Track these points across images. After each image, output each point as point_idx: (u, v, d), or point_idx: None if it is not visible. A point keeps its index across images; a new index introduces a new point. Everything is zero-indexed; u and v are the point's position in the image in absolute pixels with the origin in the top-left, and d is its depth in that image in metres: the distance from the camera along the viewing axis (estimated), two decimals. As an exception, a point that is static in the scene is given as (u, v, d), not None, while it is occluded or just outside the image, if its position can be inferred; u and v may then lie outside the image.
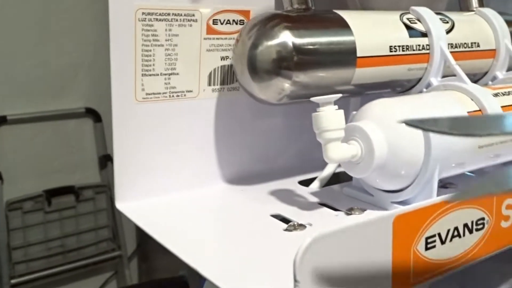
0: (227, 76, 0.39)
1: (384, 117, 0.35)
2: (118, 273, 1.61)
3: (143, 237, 1.69)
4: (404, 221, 0.24)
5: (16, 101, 1.43)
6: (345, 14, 0.38)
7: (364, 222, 0.22)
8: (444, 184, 0.40)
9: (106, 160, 1.57)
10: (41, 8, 1.40)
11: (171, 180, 0.38)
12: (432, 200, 0.26)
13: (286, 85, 0.35)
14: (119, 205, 0.36)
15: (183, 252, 0.30)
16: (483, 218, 0.29)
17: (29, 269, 1.44)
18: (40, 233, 1.46)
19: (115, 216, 1.56)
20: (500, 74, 0.45)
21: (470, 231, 0.29)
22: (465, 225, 0.28)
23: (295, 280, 0.19)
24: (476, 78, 0.45)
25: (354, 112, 0.38)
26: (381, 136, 0.34)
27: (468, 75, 0.40)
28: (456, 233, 0.28)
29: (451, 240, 0.28)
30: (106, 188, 1.55)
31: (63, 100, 1.50)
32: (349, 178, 0.40)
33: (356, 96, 0.43)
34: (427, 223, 0.26)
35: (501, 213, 0.30)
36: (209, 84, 0.39)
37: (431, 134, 0.34)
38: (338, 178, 0.44)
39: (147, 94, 0.36)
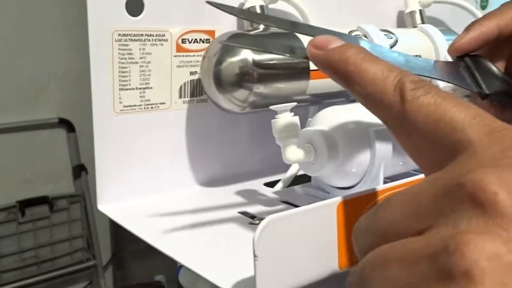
0: (196, 89, 0.44)
1: (334, 121, 0.40)
2: (93, 282, 1.62)
3: (118, 246, 1.71)
4: (347, 206, 0.29)
5: (-12, 112, 1.43)
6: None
7: (313, 206, 0.27)
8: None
9: (80, 170, 1.58)
10: (13, 20, 1.41)
11: (148, 184, 0.42)
12: (370, 190, 0.31)
13: (248, 96, 0.39)
14: (101, 207, 0.40)
15: (164, 246, 0.34)
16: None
17: (3, 281, 1.43)
18: (13, 244, 1.46)
19: (90, 225, 1.57)
20: (441, 84, 0.50)
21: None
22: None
23: (255, 255, 0.24)
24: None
25: (310, 119, 0.42)
26: (332, 138, 0.39)
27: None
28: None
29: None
30: (80, 198, 1.56)
31: (36, 110, 1.51)
32: (310, 180, 0.45)
33: (313, 105, 0.47)
34: (368, 208, 0.31)
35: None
36: (180, 97, 0.43)
37: (376, 137, 0.39)
38: (301, 180, 0.49)
39: (124, 106, 0.40)
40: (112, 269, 1.73)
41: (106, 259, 1.68)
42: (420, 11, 0.52)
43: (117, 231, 1.71)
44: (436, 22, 0.56)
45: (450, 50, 0.32)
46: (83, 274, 1.58)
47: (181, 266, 0.33)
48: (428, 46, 0.49)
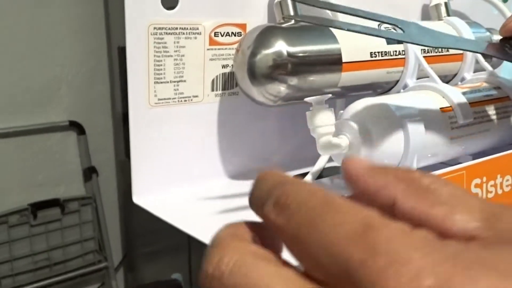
0: (228, 82, 0.44)
1: (367, 113, 0.40)
2: (105, 284, 1.62)
3: (129, 247, 1.71)
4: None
5: (0, 116, 1.44)
6: (330, 25, 0.43)
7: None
8: (421, 173, 0.45)
9: (90, 172, 1.59)
10: (23, 23, 1.42)
11: (181, 176, 0.43)
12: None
13: (282, 88, 0.40)
14: (136, 199, 0.40)
15: (200, 236, 0.34)
16: (456, 196, 0.34)
17: (16, 283, 1.44)
18: (26, 246, 1.46)
19: (101, 227, 1.58)
20: (468, 75, 0.50)
21: (446, 207, 0.34)
22: (441, 202, 0.33)
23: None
24: (447, 79, 0.51)
25: (342, 111, 0.43)
26: (366, 130, 0.39)
27: (440, 77, 0.45)
28: (434, 208, 0.33)
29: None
30: (91, 200, 1.57)
31: (47, 113, 1.52)
32: (338, 172, 0.45)
33: (342, 98, 0.48)
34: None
35: (471, 191, 0.35)
36: (212, 90, 0.43)
37: (409, 128, 0.39)
38: (329, 173, 0.49)
39: (159, 99, 0.40)
40: (124, 271, 1.73)
41: (117, 260, 1.68)
42: (446, 3, 0.53)
43: (128, 232, 1.71)
44: (457, 15, 0.57)
45: (501, 30, 0.34)
46: (95, 276, 1.58)
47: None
48: (455, 38, 0.50)
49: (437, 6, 0.53)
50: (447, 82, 0.50)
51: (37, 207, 1.47)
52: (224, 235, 0.17)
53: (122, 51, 1.49)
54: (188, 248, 1.44)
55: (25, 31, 1.43)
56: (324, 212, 0.15)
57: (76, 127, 1.58)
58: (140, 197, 0.40)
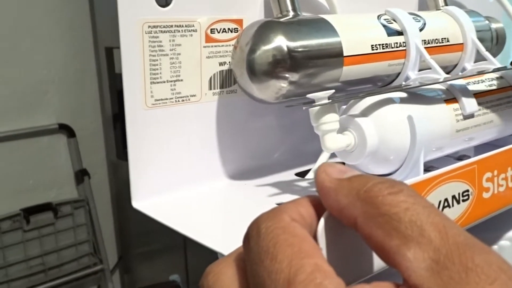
0: (226, 80, 0.43)
1: (371, 108, 0.39)
2: (101, 287, 1.61)
3: (124, 249, 1.70)
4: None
5: (-12, 121, 1.42)
6: (329, 18, 0.41)
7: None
8: (427, 168, 0.44)
9: (82, 175, 1.57)
10: (7, 27, 1.40)
11: (179, 178, 0.41)
12: (428, 175, 0.30)
13: (283, 85, 0.38)
14: (135, 204, 0.39)
15: (203, 239, 0.33)
16: (467, 190, 0.33)
17: (11, 289, 1.42)
18: (19, 252, 1.45)
19: (95, 230, 1.56)
20: (469, 65, 0.49)
21: (458, 202, 0.33)
22: (453, 197, 0.32)
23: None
24: (447, 70, 0.50)
25: (344, 107, 0.41)
26: (371, 126, 0.38)
27: (440, 67, 0.44)
28: (446, 204, 0.32)
29: (442, 210, 0.32)
30: (84, 203, 1.55)
31: (35, 117, 1.50)
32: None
33: (342, 92, 0.47)
34: (422, 195, 0.30)
35: (482, 185, 0.34)
36: (210, 88, 0.42)
37: (415, 122, 0.38)
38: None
39: (155, 100, 0.39)
40: (120, 273, 1.72)
41: (113, 262, 1.67)
42: (443, -7, 0.52)
43: (123, 234, 1.70)
44: (453, 4, 0.56)
45: None
46: (91, 279, 1.57)
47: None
48: (455, 28, 0.49)
49: (434, -5, 0.52)
50: (448, 73, 0.49)
51: (30, 212, 1.45)
52: (276, 209, 0.19)
53: (109, 51, 1.47)
54: (184, 248, 1.43)
55: (9, 34, 1.41)
56: (267, 256, 0.17)
57: (66, 129, 1.56)
58: (140, 202, 0.39)
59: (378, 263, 0.20)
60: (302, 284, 0.15)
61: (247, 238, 0.18)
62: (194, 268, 1.41)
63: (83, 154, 1.59)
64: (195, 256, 1.39)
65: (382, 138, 0.38)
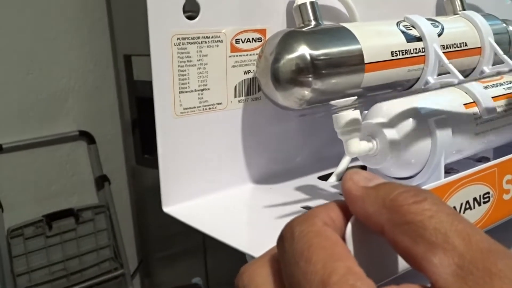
0: (250, 88, 0.44)
1: (392, 113, 0.40)
2: (122, 291, 1.63)
3: (144, 253, 1.72)
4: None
5: (11, 130, 1.45)
6: (350, 26, 0.43)
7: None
8: (447, 170, 0.45)
9: (102, 181, 1.60)
10: (29, 38, 1.43)
11: (207, 183, 0.43)
12: (449, 178, 0.31)
13: (306, 92, 0.40)
14: (166, 209, 0.40)
15: (232, 241, 0.35)
16: (488, 193, 0.34)
17: (34, 294, 1.45)
18: (42, 257, 1.48)
19: (116, 235, 1.58)
20: (487, 68, 0.50)
21: (479, 204, 0.34)
22: (474, 199, 0.33)
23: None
24: (465, 73, 0.50)
25: (366, 112, 0.43)
26: (393, 130, 0.39)
27: (459, 71, 0.45)
28: (467, 206, 0.33)
29: (464, 212, 0.33)
30: (105, 208, 1.58)
31: (56, 125, 1.53)
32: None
33: (363, 98, 0.48)
34: (443, 198, 0.31)
35: (503, 187, 0.35)
36: (235, 96, 0.44)
37: (435, 126, 0.39)
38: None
39: (184, 108, 0.40)
40: (140, 277, 1.74)
41: (133, 267, 1.69)
42: (461, -3, 0.53)
43: (143, 238, 1.72)
44: (471, 7, 0.57)
45: None
46: (112, 283, 1.59)
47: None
48: (473, 32, 0.50)
49: (452, 0, 0.53)
50: (466, 76, 0.50)
51: (52, 218, 1.48)
52: (308, 213, 0.20)
53: (127, 59, 1.50)
54: (203, 251, 1.44)
55: (30, 44, 1.44)
56: (301, 258, 0.18)
57: (86, 136, 1.59)
58: (170, 207, 0.41)
59: (402, 264, 0.22)
60: (336, 285, 0.16)
61: (281, 240, 0.19)
62: (213, 271, 1.43)
63: (103, 160, 1.62)
64: (215, 258, 1.41)
65: (403, 142, 0.39)
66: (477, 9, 0.61)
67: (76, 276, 1.53)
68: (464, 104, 0.42)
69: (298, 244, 0.18)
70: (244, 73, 0.44)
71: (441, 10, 0.56)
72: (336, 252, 0.18)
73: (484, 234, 0.17)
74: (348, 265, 0.17)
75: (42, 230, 1.47)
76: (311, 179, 0.47)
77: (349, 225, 0.20)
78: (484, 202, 0.34)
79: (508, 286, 0.15)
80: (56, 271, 1.51)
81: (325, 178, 0.48)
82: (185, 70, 0.40)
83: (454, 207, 0.32)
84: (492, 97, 0.44)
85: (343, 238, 0.20)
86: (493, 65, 0.51)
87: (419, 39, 0.45)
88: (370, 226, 0.19)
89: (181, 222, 0.39)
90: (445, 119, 0.40)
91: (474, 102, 0.43)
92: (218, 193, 0.43)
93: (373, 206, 0.19)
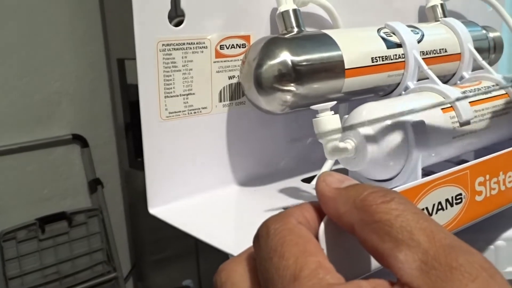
0: (235, 93, 0.46)
1: (371, 117, 0.41)
2: (115, 294, 1.63)
3: (137, 257, 1.72)
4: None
5: (3, 133, 1.45)
6: (331, 33, 0.44)
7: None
8: (426, 172, 0.47)
9: (95, 184, 1.60)
10: (23, 41, 1.43)
11: (192, 185, 0.44)
12: (422, 180, 0.32)
13: (288, 97, 0.41)
14: (152, 210, 0.41)
15: (216, 242, 0.36)
16: (460, 194, 0.35)
17: (26, 298, 1.44)
18: (35, 261, 1.47)
19: (109, 238, 1.59)
20: (466, 74, 0.52)
21: (451, 205, 0.35)
22: (447, 200, 0.35)
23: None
24: (446, 79, 0.52)
25: (346, 116, 0.44)
26: (371, 134, 0.40)
27: (439, 77, 0.47)
28: (440, 207, 0.34)
29: (436, 212, 0.34)
30: (98, 212, 1.58)
31: (49, 128, 1.53)
32: (344, 173, 0.46)
33: (345, 102, 0.49)
34: (416, 199, 0.33)
35: (475, 189, 0.36)
36: (220, 101, 0.45)
37: (413, 130, 0.41)
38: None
39: (170, 112, 0.41)
40: (133, 280, 1.74)
41: (126, 270, 1.69)
42: (441, 4, 0.54)
43: (136, 242, 1.72)
44: (453, 15, 0.58)
45: None
46: (105, 286, 1.59)
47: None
48: (453, 38, 0.51)
49: (433, 7, 0.55)
50: (446, 82, 0.51)
51: (45, 221, 1.48)
52: (283, 212, 0.21)
53: (121, 62, 1.51)
54: (196, 254, 1.45)
55: (23, 47, 1.44)
56: (275, 254, 0.19)
57: (79, 140, 1.59)
58: (155, 208, 0.42)
59: (374, 263, 0.23)
60: (306, 278, 0.17)
61: (257, 238, 0.20)
62: (206, 273, 1.43)
63: (96, 163, 1.62)
64: (207, 261, 1.41)
65: (381, 145, 0.40)
66: (460, 17, 0.62)
67: (68, 280, 1.53)
68: (442, 109, 0.44)
69: (272, 241, 0.19)
70: (229, 78, 0.45)
71: (423, 18, 0.58)
72: (308, 249, 0.19)
73: (447, 232, 0.18)
74: (319, 260, 0.18)
75: (34, 233, 1.47)
76: (295, 182, 0.49)
77: (322, 225, 0.21)
78: (457, 203, 0.35)
79: (466, 279, 0.16)
80: (49, 274, 1.50)
81: (309, 180, 0.49)
82: (171, 75, 0.41)
83: (427, 208, 0.33)
84: (470, 102, 0.45)
85: (317, 237, 0.21)
86: (472, 70, 0.53)
87: (399, 45, 0.47)
88: (342, 226, 0.20)
89: (167, 223, 0.40)
90: (422, 122, 0.41)
91: (451, 106, 0.44)
92: (203, 195, 0.45)
93: (344, 206, 0.20)
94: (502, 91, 0.49)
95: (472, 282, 0.16)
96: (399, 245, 0.18)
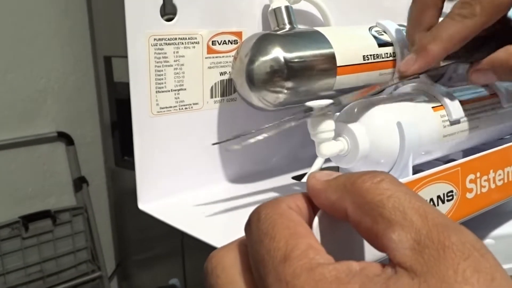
0: (226, 89, 0.45)
1: (363, 115, 0.41)
2: (99, 293, 1.62)
3: (122, 256, 1.71)
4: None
5: (-12, 130, 1.43)
6: (323, 30, 0.44)
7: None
8: (417, 171, 0.47)
9: (80, 182, 1.59)
10: (7, 37, 1.42)
11: (183, 181, 0.44)
12: (414, 176, 0.33)
13: (280, 93, 0.41)
14: (142, 206, 0.41)
15: (206, 238, 0.35)
16: (452, 191, 0.36)
17: (9, 297, 1.43)
18: (18, 259, 1.46)
19: (93, 237, 1.58)
20: (455, 74, 0.52)
21: (443, 202, 0.35)
22: (438, 197, 0.35)
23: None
24: (436, 78, 0.52)
25: (338, 114, 0.44)
26: (363, 131, 0.40)
27: (430, 75, 0.47)
28: (432, 203, 0.34)
29: (428, 209, 0.34)
30: (83, 210, 1.57)
31: (35, 125, 1.52)
32: (336, 170, 0.46)
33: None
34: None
35: (466, 186, 0.37)
36: (211, 97, 0.45)
37: (404, 128, 0.41)
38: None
39: (161, 108, 0.41)
40: (118, 279, 1.73)
41: (111, 269, 1.68)
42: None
43: (121, 240, 1.71)
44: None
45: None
46: (89, 285, 1.58)
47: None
48: (442, 39, 0.51)
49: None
50: (437, 80, 0.52)
51: (28, 219, 1.47)
52: (275, 199, 0.21)
53: (108, 60, 1.50)
54: (181, 253, 1.44)
55: (9, 44, 1.43)
56: (266, 236, 0.19)
57: (65, 137, 1.58)
58: (145, 204, 0.41)
59: (369, 253, 0.23)
60: (296, 259, 0.18)
61: (248, 223, 0.20)
62: (192, 272, 1.43)
63: (82, 161, 1.61)
64: (193, 259, 1.41)
65: (373, 142, 0.40)
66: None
67: (52, 278, 1.52)
68: (432, 107, 0.44)
69: (263, 224, 0.19)
70: (220, 74, 0.45)
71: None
72: (299, 231, 0.19)
73: (440, 212, 0.18)
74: (309, 242, 0.18)
75: (18, 231, 1.45)
76: (286, 179, 0.49)
77: (316, 218, 0.21)
78: (448, 200, 0.35)
79: (458, 257, 0.16)
80: (32, 273, 1.49)
81: (299, 178, 0.49)
82: (162, 70, 0.40)
83: (419, 205, 0.34)
84: (460, 101, 0.45)
85: (310, 227, 0.21)
86: (462, 71, 0.53)
87: (390, 44, 0.47)
88: (336, 214, 0.20)
89: (157, 219, 0.40)
90: (413, 121, 0.42)
91: (442, 105, 0.44)
92: (194, 191, 0.44)
93: (335, 193, 0.20)
94: (492, 91, 0.49)
95: (464, 261, 0.16)
96: (392, 225, 0.18)
